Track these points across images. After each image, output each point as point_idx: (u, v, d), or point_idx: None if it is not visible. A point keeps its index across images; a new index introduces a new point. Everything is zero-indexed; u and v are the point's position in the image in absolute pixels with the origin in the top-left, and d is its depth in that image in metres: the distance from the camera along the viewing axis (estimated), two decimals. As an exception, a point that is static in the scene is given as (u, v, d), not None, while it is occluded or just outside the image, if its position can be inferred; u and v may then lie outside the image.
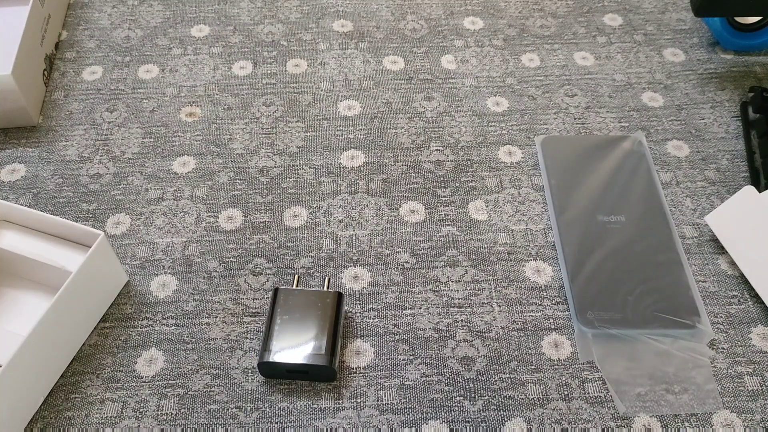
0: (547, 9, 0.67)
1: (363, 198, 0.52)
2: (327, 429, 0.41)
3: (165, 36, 0.64)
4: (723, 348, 0.45)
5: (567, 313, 0.46)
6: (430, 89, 0.60)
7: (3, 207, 0.46)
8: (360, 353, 0.45)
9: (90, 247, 0.43)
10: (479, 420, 0.42)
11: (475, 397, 0.43)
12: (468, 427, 0.42)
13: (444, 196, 0.53)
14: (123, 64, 0.62)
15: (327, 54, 0.63)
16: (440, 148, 0.56)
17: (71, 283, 0.41)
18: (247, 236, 0.50)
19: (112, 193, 0.52)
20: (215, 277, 0.48)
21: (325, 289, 0.46)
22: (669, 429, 0.42)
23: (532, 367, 0.44)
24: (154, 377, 0.43)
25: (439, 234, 0.50)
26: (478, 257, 0.49)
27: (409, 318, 0.46)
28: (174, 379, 0.43)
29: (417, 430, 0.42)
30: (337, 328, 0.43)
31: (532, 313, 0.46)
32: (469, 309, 0.47)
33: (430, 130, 0.57)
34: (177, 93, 0.59)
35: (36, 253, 0.45)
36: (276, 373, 0.43)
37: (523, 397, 0.43)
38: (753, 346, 0.45)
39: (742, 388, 0.43)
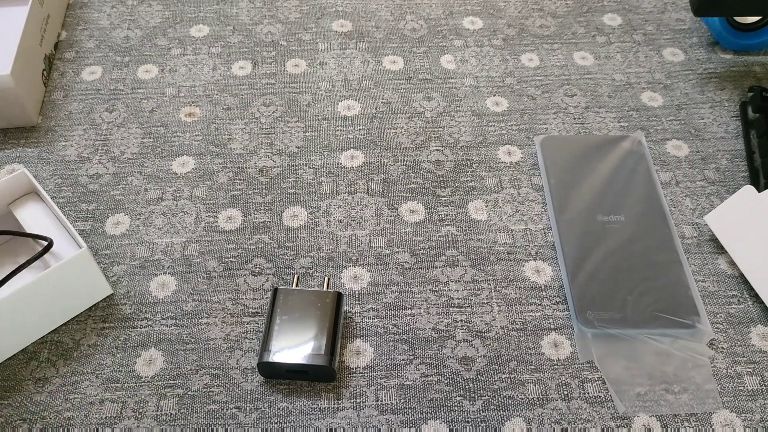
0: (547, 9, 0.67)
1: (362, 198, 0.52)
2: (327, 429, 0.41)
3: (164, 36, 0.64)
4: (723, 348, 0.45)
5: (566, 312, 0.46)
6: (429, 89, 0.60)
7: (34, 184, 0.47)
8: (360, 353, 0.45)
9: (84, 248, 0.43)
10: (479, 420, 0.42)
11: (474, 397, 0.43)
12: (468, 427, 0.42)
13: (443, 196, 0.53)
14: (122, 64, 0.62)
15: (326, 54, 0.63)
16: (440, 147, 0.56)
17: (34, 284, 0.42)
18: (247, 236, 0.50)
19: (112, 193, 0.52)
20: (215, 277, 0.48)
21: (325, 289, 0.46)
22: (669, 429, 0.42)
23: (532, 367, 0.44)
24: (154, 377, 0.43)
25: (439, 234, 0.50)
26: (477, 257, 0.49)
27: (408, 318, 0.46)
28: (173, 380, 0.43)
29: (417, 430, 0.41)
30: (337, 328, 0.43)
31: (531, 313, 0.46)
32: (468, 309, 0.47)
33: (430, 130, 0.57)
34: (176, 93, 0.59)
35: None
36: (276, 373, 0.43)
37: (522, 397, 0.43)
38: (752, 345, 0.45)
39: (742, 388, 0.43)
